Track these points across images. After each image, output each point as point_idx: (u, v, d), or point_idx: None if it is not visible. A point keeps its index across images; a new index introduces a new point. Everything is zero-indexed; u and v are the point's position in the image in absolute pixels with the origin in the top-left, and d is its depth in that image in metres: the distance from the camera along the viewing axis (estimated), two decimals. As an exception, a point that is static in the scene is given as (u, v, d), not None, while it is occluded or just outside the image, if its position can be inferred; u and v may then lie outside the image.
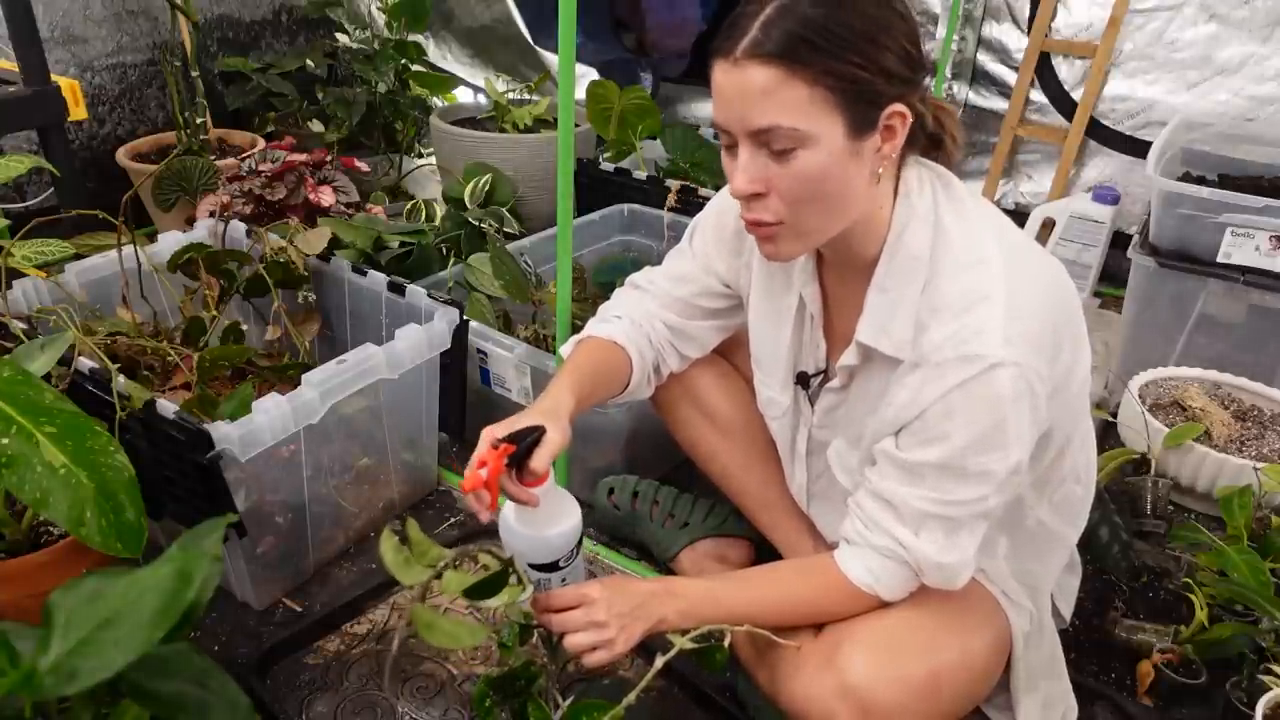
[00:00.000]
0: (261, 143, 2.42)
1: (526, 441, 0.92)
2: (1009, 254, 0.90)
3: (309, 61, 2.80)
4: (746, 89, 0.83)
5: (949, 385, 0.86)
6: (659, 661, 0.86)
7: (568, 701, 0.97)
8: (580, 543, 0.99)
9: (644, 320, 1.18)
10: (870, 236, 0.93)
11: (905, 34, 0.85)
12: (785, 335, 1.07)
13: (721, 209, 1.13)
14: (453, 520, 1.49)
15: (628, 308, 1.19)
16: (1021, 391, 0.85)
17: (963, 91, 2.48)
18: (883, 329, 0.93)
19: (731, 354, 1.29)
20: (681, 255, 1.19)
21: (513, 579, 0.86)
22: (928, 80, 0.91)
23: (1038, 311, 0.88)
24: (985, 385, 0.85)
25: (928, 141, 0.95)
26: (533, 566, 0.96)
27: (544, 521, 0.95)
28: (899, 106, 0.85)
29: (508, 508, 0.96)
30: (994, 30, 2.42)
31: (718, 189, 1.18)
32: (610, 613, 0.92)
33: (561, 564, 0.97)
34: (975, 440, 0.87)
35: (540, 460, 0.92)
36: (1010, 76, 2.42)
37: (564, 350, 1.19)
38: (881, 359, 0.94)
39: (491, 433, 0.94)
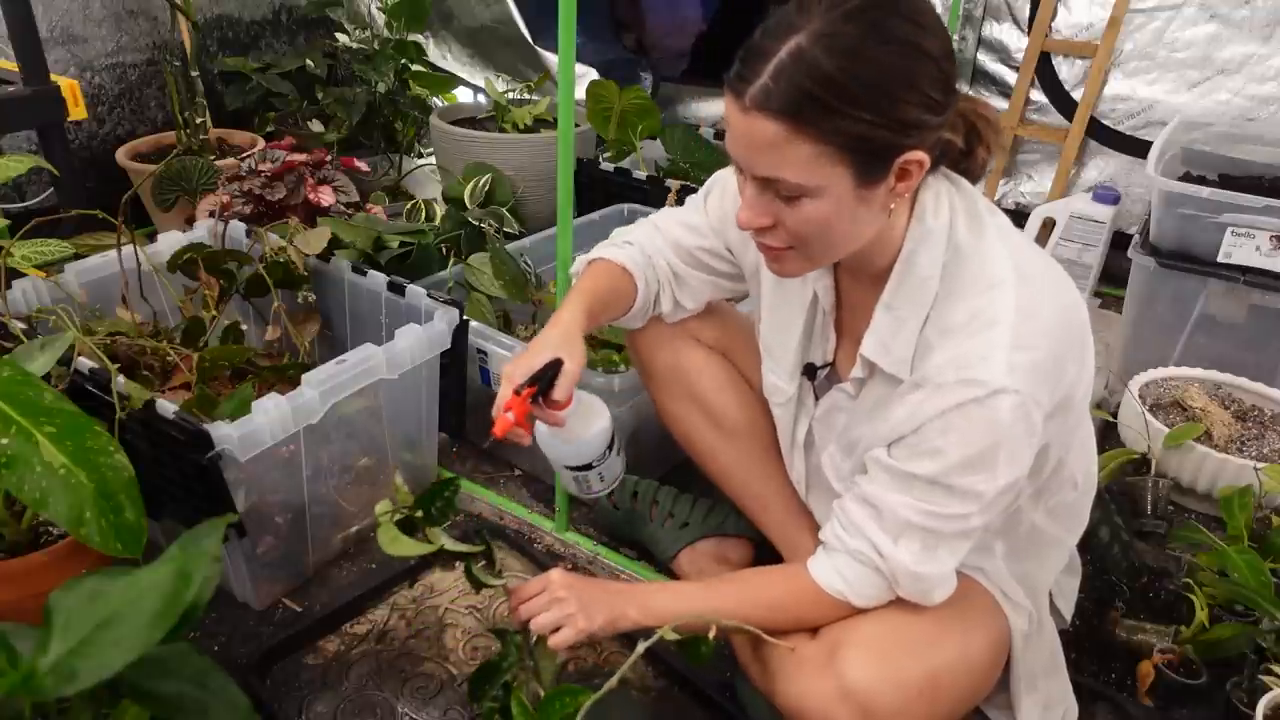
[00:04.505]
0: (261, 143, 2.42)
1: (547, 377, 0.98)
2: (1022, 278, 0.88)
3: (309, 61, 2.80)
4: (753, 139, 0.82)
5: (948, 405, 0.86)
6: (640, 647, 0.87)
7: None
8: (613, 442, 1.11)
9: (654, 253, 1.17)
10: (881, 252, 0.93)
11: (931, 77, 0.81)
12: (797, 325, 1.07)
13: None
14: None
15: (641, 238, 1.18)
16: (1019, 419, 0.85)
17: (963, 91, 2.48)
18: (885, 347, 0.93)
19: (732, 354, 1.28)
20: (696, 209, 1.17)
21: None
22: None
23: (1044, 340, 0.87)
24: (985, 409, 0.85)
25: (958, 154, 0.93)
26: (569, 468, 1.10)
27: (576, 429, 1.05)
28: (917, 155, 0.83)
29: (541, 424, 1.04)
30: (994, 30, 2.42)
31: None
32: (569, 592, 0.98)
33: (595, 464, 1.09)
34: (967, 460, 0.87)
35: (562, 391, 0.99)
36: (1010, 76, 2.42)
37: (574, 269, 1.20)
38: (883, 374, 0.94)
39: (511, 377, 0.98)
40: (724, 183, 1.15)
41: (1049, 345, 0.87)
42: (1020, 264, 0.90)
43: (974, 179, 0.95)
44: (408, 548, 0.95)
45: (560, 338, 1.01)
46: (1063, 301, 0.91)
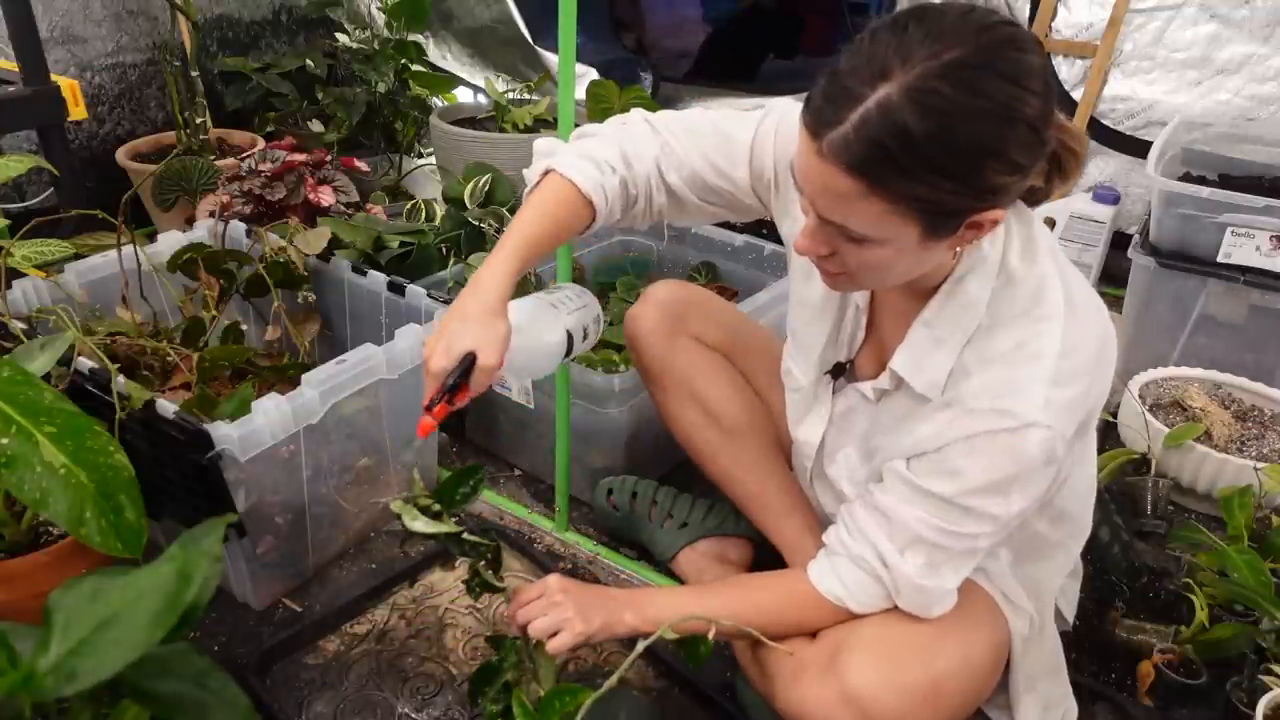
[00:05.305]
0: (261, 143, 2.42)
1: (463, 369, 0.93)
2: (1070, 313, 0.87)
3: (309, 61, 2.80)
4: (824, 186, 0.78)
5: (977, 430, 0.86)
6: (640, 646, 0.88)
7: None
8: (570, 341, 1.06)
9: (643, 165, 1.05)
10: (931, 274, 0.90)
11: (1022, 143, 0.75)
12: (828, 318, 1.05)
13: None
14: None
15: (629, 146, 1.05)
16: (1045, 452, 0.85)
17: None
18: (919, 365, 0.91)
19: (733, 354, 1.28)
20: (736, 157, 1.04)
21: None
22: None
23: (1083, 379, 0.87)
24: (1015, 439, 0.85)
25: (1034, 189, 0.88)
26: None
27: (524, 365, 1.03)
28: (992, 214, 0.79)
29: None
30: (994, 30, 2.41)
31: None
32: (566, 597, 0.98)
33: (565, 358, 1.07)
34: (986, 485, 0.87)
35: (479, 385, 0.94)
36: (1010, 76, 2.41)
37: (529, 173, 1.06)
38: (910, 389, 0.93)
39: (431, 369, 0.93)
40: (780, 123, 1.02)
41: (1085, 383, 0.87)
42: (1070, 294, 0.88)
43: (1036, 204, 0.92)
44: (432, 526, 0.96)
45: (479, 317, 0.93)
46: (1102, 335, 0.90)
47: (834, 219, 0.80)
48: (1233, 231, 1.69)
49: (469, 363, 0.92)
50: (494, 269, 0.96)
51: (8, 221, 1.50)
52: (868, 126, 0.73)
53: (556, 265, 1.32)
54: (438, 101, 3.07)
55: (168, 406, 1.11)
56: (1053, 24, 2.29)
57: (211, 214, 1.78)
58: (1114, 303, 2.09)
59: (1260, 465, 1.45)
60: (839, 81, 0.76)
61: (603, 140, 1.05)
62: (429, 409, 0.93)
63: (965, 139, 0.73)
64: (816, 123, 0.77)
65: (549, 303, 1.07)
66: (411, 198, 2.47)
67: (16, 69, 1.93)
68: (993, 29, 0.74)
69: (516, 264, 0.97)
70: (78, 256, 1.47)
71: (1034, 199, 0.90)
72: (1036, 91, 0.74)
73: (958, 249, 0.85)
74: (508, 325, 0.95)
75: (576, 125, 1.13)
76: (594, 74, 2.88)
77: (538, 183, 1.04)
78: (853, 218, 0.79)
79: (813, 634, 0.99)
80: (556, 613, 0.96)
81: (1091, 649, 1.27)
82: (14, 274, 1.38)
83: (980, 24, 0.74)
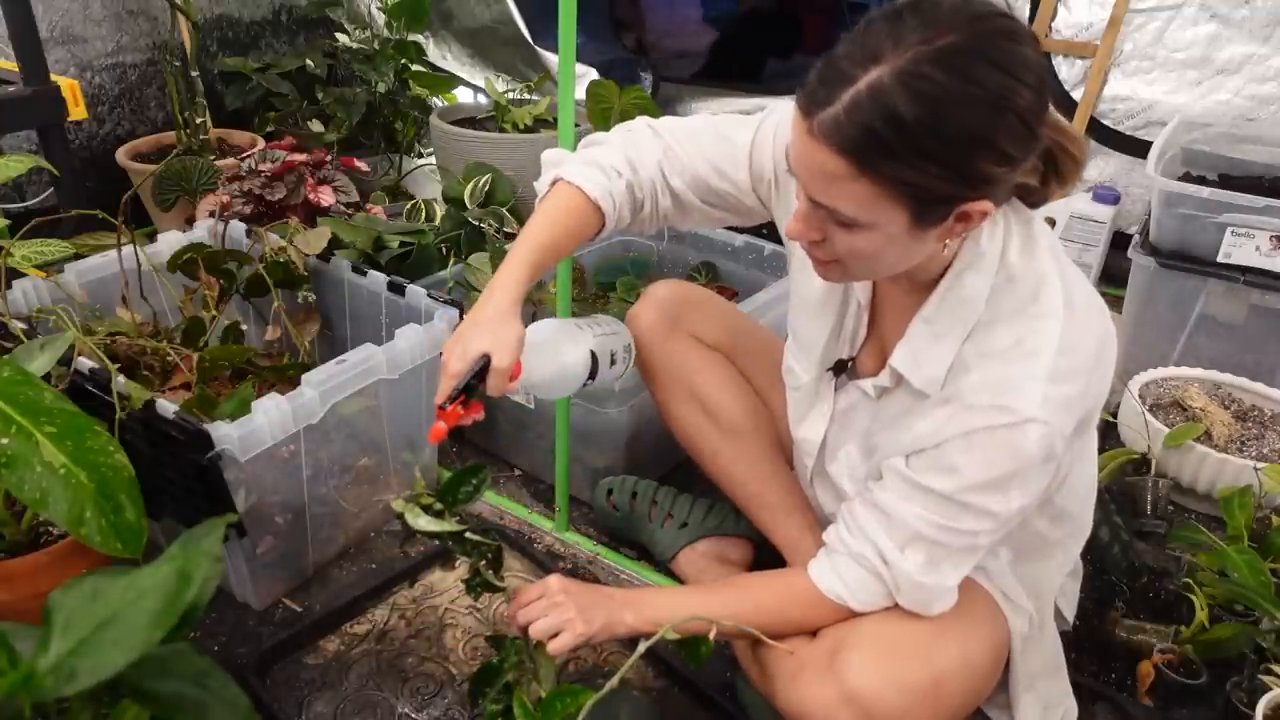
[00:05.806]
0: (261, 143, 2.42)
1: (478, 370, 0.94)
2: (1069, 311, 0.87)
3: (309, 61, 2.80)
4: (814, 166, 0.79)
5: (975, 426, 0.86)
6: (641, 647, 0.88)
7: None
8: (594, 363, 1.07)
9: (647, 169, 1.07)
10: (928, 266, 0.90)
11: (1012, 133, 0.75)
12: (829, 314, 1.05)
13: None
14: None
15: (633, 152, 1.07)
16: (1043, 449, 0.85)
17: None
18: (917, 361, 0.92)
19: (734, 354, 1.28)
20: (737, 159, 1.06)
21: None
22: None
23: (1081, 376, 0.87)
24: (1013, 435, 0.85)
25: (1029, 188, 0.88)
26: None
27: (544, 384, 1.05)
28: (981, 205, 0.79)
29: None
30: (994, 30, 2.41)
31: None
32: (567, 597, 0.98)
33: (587, 384, 1.08)
34: (985, 482, 0.87)
35: (492, 389, 0.95)
36: (1010, 76, 2.41)
37: (539, 184, 1.09)
38: (910, 385, 0.93)
39: (448, 370, 0.95)
40: (781, 123, 1.03)
41: (1084, 381, 0.87)
42: (1069, 293, 0.88)
43: (1034, 207, 0.91)
44: (435, 525, 0.96)
45: (494, 320, 0.96)
46: (1101, 334, 0.90)
47: (824, 201, 0.81)
48: (1233, 231, 1.69)
49: (483, 364, 0.94)
50: (506, 276, 0.99)
51: (8, 221, 1.50)
52: (858, 108, 0.74)
53: (556, 267, 1.32)
54: (438, 101, 3.07)
55: (168, 406, 1.11)
56: (1053, 24, 2.29)
57: (211, 214, 1.78)
58: (1114, 303, 2.09)
59: (1260, 465, 1.45)
60: (833, 64, 0.77)
61: (608, 147, 1.08)
62: (442, 408, 0.94)
63: (955, 125, 0.74)
64: (809, 103, 0.78)
65: (575, 324, 1.09)
66: (411, 198, 2.47)
67: (16, 69, 1.93)
68: (988, 19, 0.75)
69: (528, 270, 0.99)
70: (78, 256, 1.47)
71: (1031, 201, 0.90)
72: (1029, 84, 0.75)
73: (948, 241, 0.85)
74: (521, 329, 0.97)
75: (576, 126, 1.13)
76: (594, 74, 2.88)
77: (547, 192, 1.06)
78: (842, 200, 0.79)
79: (813, 633, 0.99)
80: (557, 613, 0.96)
81: (1091, 649, 1.27)
82: (14, 274, 1.38)
83: (975, 14, 0.75)
